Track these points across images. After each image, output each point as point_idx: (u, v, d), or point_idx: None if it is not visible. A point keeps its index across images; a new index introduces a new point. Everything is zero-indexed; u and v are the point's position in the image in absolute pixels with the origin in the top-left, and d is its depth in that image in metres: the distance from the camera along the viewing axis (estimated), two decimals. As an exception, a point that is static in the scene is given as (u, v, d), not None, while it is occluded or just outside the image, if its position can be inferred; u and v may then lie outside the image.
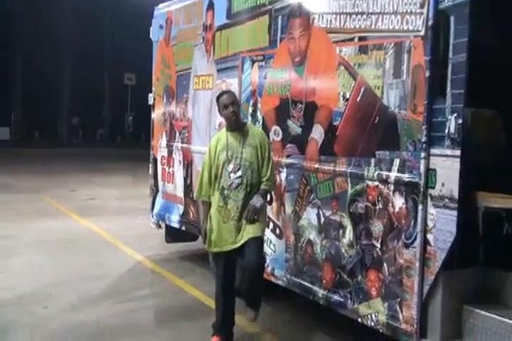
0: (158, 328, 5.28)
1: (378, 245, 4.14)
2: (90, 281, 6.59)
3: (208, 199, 4.64)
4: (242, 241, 4.47)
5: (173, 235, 7.73)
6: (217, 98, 4.65)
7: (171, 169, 7.46)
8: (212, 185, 4.60)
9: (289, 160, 5.14)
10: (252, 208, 4.46)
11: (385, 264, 4.08)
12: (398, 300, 3.97)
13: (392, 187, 4.02)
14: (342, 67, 4.52)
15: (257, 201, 4.50)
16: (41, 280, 6.56)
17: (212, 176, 4.58)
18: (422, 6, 3.79)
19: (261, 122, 5.57)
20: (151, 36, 8.02)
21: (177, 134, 7.32)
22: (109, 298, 6.03)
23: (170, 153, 7.48)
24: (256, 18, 5.63)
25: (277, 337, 4.90)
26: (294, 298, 5.44)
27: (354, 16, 4.40)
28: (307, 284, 4.92)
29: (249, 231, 4.48)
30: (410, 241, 3.85)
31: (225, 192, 4.52)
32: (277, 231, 5.34)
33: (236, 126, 4.61)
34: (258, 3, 5.58)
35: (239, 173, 4.49)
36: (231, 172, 4.50)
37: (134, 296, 6.18)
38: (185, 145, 7.08)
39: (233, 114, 4.53)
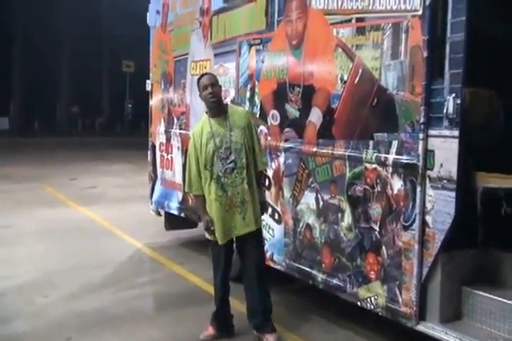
0: (160, 315, 5.26)
1: (377, 228, 4.12)
2: (91, 269, 6.58)
3: (200, 192, 4.49)
4: (251, 228, 4.42)
5: (172, 222, 7.71)
6: (198, 80, 4.51)
7: (169, 155, 7.43)
8: (203, 176, 4.43)
9: (287, 145, 5.10)
10: (266, 205, 4.72)
11: (383, 247, 4.06)
12: (397, 282, 3.96)
13: (390, 170, 3.99)
14: (339, 49, 4.48)
15: (262, 195, 4.56)
16: (42, 269, 6.55)
17: (201, 167, 4.42)
18: (419, -15, 3.74)
19: (259, 106, 5.53)
20: (148, 22, 7.96)
21: (175, 120, 7.28)
22: (110, 286, 6.03)
23: (168, 139, 7.44)
24: (253, 1, 5.57)
25: (280, 326, 4.86)
26: (292, 282, 5.44)
27: (351, -3, 4.35)
28: (306, 268, 4.90)
29: (252, 222, 4.42)
30: (409, 223, 3.83)
31: (222, 179, 4.37)
32: (276, 216, 5.31)
33: (217, 109, 4.44)
34: (255, -14, 5.52)
35: (232, 157, 4.36)
36: (223, 158, 4.36)
37: (134, 283, 6.17)
38: (183, 131, 7.04)
39: (212, 95, 4.36)
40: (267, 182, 5.32)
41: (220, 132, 4.40)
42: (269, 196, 5.28)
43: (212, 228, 4.43)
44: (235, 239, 4.52)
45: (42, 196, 11.76)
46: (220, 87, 4.55)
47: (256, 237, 4.52)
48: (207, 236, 4.56)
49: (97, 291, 5.84)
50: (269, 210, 5.27)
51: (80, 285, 6.00)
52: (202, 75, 4.56)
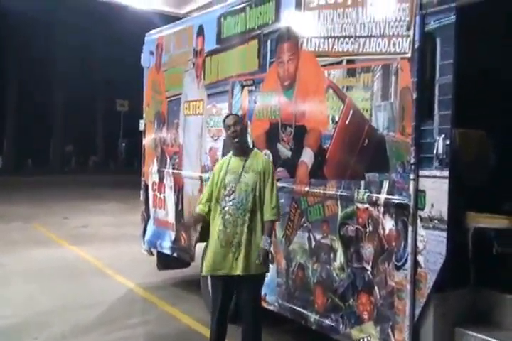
0: (150, 356, 5.20)
1: (369, 268, 4.11)
2: (82, 310, 6.51)
3: (203, 212, 4.61)
4: (239, 271, 4.37)
5: (164, 262, 7.65)
6: (223, 121, 4.66)
7: (162, 195, 7.43)
8: (213, 208, 4.56)
9: (280, 184, 5.09)
10: (262, 252, 4.37)
11: (376, 287, 4.05)
12: (390, 323, 3.93)
13: (382, 209, 4.01)
14: (331, 90, 4.55)
15: (265, 242, 4.40)
16: (32, 310, 6.47)
17: (214, 195, 4.55)
18: (408, 29, 3.83)
19: (251, 146, 5.56)
20: (141, 62, 8.06)
21: (168, 160, 7.31)
22: (101, 327, 5.95)
23: (161, 178, 7.46)
24: (245, 42, 5.67)
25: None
26: (285, 323, 5.38)
27: (342, 40, 4.44)
28: (299, 309, 4.87)
29: (251, 266, 4.39)
30: (401, 263, 3.83)
31: (226, 216, 4.45)
32: (268, 255, 5.28)
33: (239, 148, 4.59)
34: (247, 28, 5.64)
35: (233, 196, 4.43)
36: (226, 195, 4.47)
37: (126, 324, 6.10)
38: (176, 170, 7.06)
39: (235, 133, 4.49)
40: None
41: (234, 170, 4.52)
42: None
43: (195, 238, 4.57)
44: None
45: (33, 235, 11.66)
46: (243, 126, 4.73)
47: (252, 282, 4.48)
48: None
49: (87, 332, 5.77)
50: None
51: (70, 326, 5.92)
52: (227, 116, 4.73)
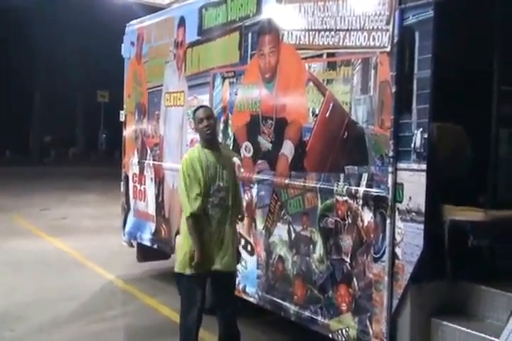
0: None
1: (348, 260, 4.15)
2: (61, 302, 6.51)
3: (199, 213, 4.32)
4: (222, 267, 4.34)
5: (144, 254, 7.65)
6: (193, 112, 4.54)
7: (142, 186, 7.42)
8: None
9: (260, 176, 5.15)
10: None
11: (354, 279, 4.09)
12: (368, 314, 3.97)
13: (360, 202, 4.05)
14: (311, 83, 4.57)
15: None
16: (10, 302, 6.46)
17: (203, 192, 4.31)
18: (387, 23, 3.85)
19: (232, 138, 5.58)
20: (122, 53, 8.02)
21: (148, 151, 7.29)
22: (80, 319, 5.96)
23: (141, 170, 7.44)
24: (227, 34, 5.67)
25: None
26: (264, 315, 5.42)
27: (322, 33, 4.46)
28: (278, 300, 4.90)
29: (229, 263, 4.40)
30: (379, 255, 3.87)
31: (210, 212, 4.32)
32: (248, 247, 5.32)
33: (211, 142, 4.44)
34: (229, 19, 5.63)
35: (221, 193, 4.35)
36: (215, 191, 4.34)
37: (105, 316, 6.12)
38: (156, 162, 7.05)
39: (208, 127, 4.36)
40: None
41: (214, 165, 4.37)
42: (242, 227, 5.29)
43: (199, 258, 4.27)
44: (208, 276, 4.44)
45: (12, 227, 11.60)
46: (216, 119, 4.63)
47: (232, 278, 4.54)
48: (179, 267, 4.45)
49: (66, 324, 5.78)
50: (242, 241, 5.29)
51: (48, 318, 5.93)
52: (197, 108, 4.57)
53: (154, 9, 9.00)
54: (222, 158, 4.45)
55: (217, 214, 4.34)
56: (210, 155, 4.39)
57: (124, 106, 8.06)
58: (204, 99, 6.04)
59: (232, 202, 4.41)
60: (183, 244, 4.46)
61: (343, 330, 4.20)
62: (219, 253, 4.35)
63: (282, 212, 4.88)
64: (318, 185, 4.45)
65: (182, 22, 6.52)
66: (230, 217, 4.41)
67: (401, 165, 3.74)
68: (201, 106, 4.67)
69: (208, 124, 4.36)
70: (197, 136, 6.07)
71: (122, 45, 8.03)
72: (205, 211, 4.32)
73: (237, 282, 4.86)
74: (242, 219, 4.76)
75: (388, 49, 3.84)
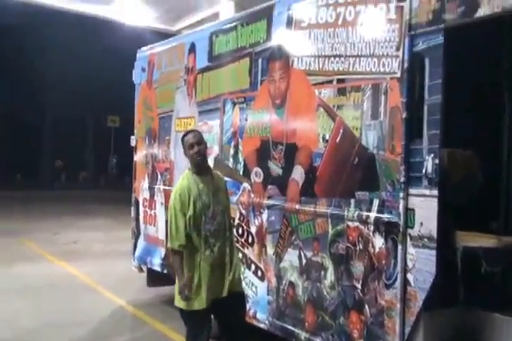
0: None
1: (359, 286, 4.12)
2: (71, 327, 6.47)
3: (182, 248, 4.26)
4: (226, 292, 4.31)
5: (154, 279, 7.60)
6: (182, 138, 4.41)
7: (152, 211, 7.42)
8: (192, 235, 4.25)
9: (271, 202, 5.13)
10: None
11: (366, 305, 4.05)
12: (380, 342, 3.93)
13: (372, 228, 4.03)
14: (321, 109, 4.58)
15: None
16: (20, 327, 6.43)
17: (189, 225, 4.23)
18: (397, 49, 3.88)
19: (242, 164, 5.59)
20: (133, 79, 8.09)
21: (159, 176, 7.31)
22: (89, 345, 5.93)
23: (152, 195, 7.45)
24: (237, 60, 5.71)
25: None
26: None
27: (332, 59, 4.48)
28: (289, 327, 4.86)
29: (237, 283, 4.42)
30: (391, 281, 3.84)
31: (210, 240, 4.26)
32: (259, 273, 5.29)
33: (202, 167, 4.37)
34: (239, 46, 5.68)
35: (218, 219, 4.31)
36: (210, 218, 4.27)
37: (115, 342, 6.08)
38: (167, 187, 7.06)
39: (199, 154, 4.27)
40: (250, 239, 5.35)
41: (206, 191, 4.31)
42: (252, 253, 5.28)
43: (187, 292, 4.21)
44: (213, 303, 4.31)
45: (22, 251, 11.61)
46: (206, 144, 4.46)
47: (239, 297, 4.48)
48: (177, 302, 4.33)
49: (76, 350, 5.74)
50: (252, 267, 5.27)
51: (58, 344, 5.89)
52: (187, 133, 4.47)
53: (165, 35, 9.12)
54: (215, 181, 4.43)
55: (217, 241, 4.30)
56: (200, 181, 4.32)
57: (135, 131, 8.10)
58: (214, 124, 6.07)
59: (228, 222, 4.45)
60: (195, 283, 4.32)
61: (355, 358, 4.15)
62: (228, 278, 4.33)
63: (293, 238, 4.86)
64: (328, 211, 4.44)
65: (192, 48, 6.58)
66: (229, 238, 4.41)
67: (412, 190, 3.73)
68: (191, 131, 4.56)
69: (198, 150, 4.28)
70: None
71: (133, 70, 8.11)
72: (205, 240, 4.26)
73: (247, 307, 4.83)
74: None
75: (398, 75, 3.86)
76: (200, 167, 4.37)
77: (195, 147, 4.28)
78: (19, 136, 34.83)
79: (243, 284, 4.64)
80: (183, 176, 4.46)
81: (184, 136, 4.43)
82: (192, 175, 4.37)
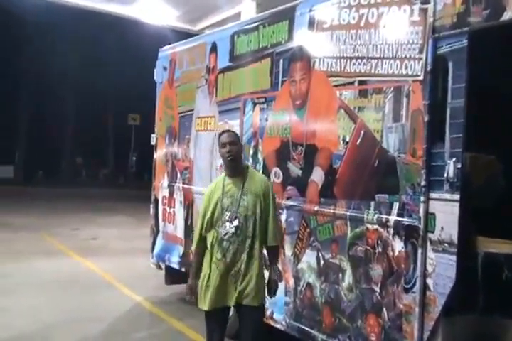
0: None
1: (378, 289, 4.09)
2: (88, 323, 6.52)
3: (201, 250, 4.27)
4: (237, 301, 4.11)
5: (172, 276, 7.64)
6: (219, 136, 4.37)
7: (171, 209, 7.45)
8: (209, 236, 4.20)
9: (289, 202, 5.13)
10: (274, 285, 4.26)
11: (384, 309, 4.03)
12: (398, 346, 3.91)
13: (391, 231, 4.00)
14: (342, 111, 4.56)
15: (275, 274, 4.31)
16: (38, 321, 6.49)
17: (206, 226, 4.20)
18: (420, 51, 3.84)
19: (262, 164, 5.59)
20: (155, 77, 8.12)
21: (178, 175, 7.34)
22: (106, 340, 5.94)
23: (171, 193, 7.48)
24: (258, 61, 5.71)
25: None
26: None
27: (354, 61, 4.46)
28: (306, 328, 4.85)
29: (250, 296, 4.12)
30: (410, 285, 3.81)
31: (224, 243, 4.11)
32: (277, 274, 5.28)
33: (234, 168, 4.24)
34: (260, 46, 5.68)
35: (235, 222, 4.10)
36: (227, 221, 4.12)
37: (132, 338, 6.13)
38: (186, 185, 7.09)
39: (229, 153, 4.15)
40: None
41: (231, 193, 4.18)
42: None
43: (188, 295, 4.30)
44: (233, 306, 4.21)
45: (42, 246, 11.72)
46: (240, 145, 4.36)
47: (256, 312, 4.21)
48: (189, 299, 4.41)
49: (93, 346, 5.78)
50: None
51: (76, 339, 5.95)
52: (223, 132, 4.41)
53: (186, 35, 9.14)
54: (249, 184, 4.19)
55: (232, 245, 4.10)
56: (229, 183, 4.22)
57: (155, 129, 8.14)
58: (234, 124, 6.07)
59: (255, 230, 4.14)
60: (204, 282, 4.26)
61: (372, 361, 4.13)
62: (238, 287, 4.11)
63: (311, 239, 4.85)
64: (348, 213, 4.42)
65: (214, 48, 6.59)
66: (250, 246, 4.13)
67: (433, 194, 3.70)
68: (226, 131, 4.51)
69: (229, 150, 4.17)
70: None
71: (155, 69, 8.14)
72: (219, 243, 4.14)
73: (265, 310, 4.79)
74: (273, 248, 4.35)
75: (421, 77, 3.82)
76: (230, 168, 4.27)
77: (227, 146, 4.18)
78: (41, 133, 35.12)
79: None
80: (217, 177, 4.52)
81: (220, 135, 4.37)
82: (223, 177, 4.29)
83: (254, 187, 4.21)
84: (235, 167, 4.26)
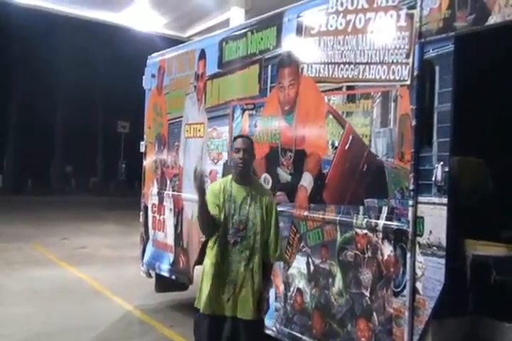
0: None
1: (367, 294, 4.10)
2: (79, 331, 6.47)
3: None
4: (233, 313, 3.95)
5: (163, 284, 7.62)
6: (234, 139, 4.24)
7: (161, 217, 7.43)
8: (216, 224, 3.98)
9: (279, 208, 5.07)
10: (265, 300, 4.07)
11: (374, 313, 4.04)
12: (388, 350, 3.91)
13: (380, 235, 4.02)
14: (330, 116, 4.58)
15: (269, 288, 4.25)
16: (29, 331, 6.44)
17: (220, 218, 3.99)
18: (407, 56, 3.87)
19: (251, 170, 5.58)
20: (143, 84, 8.11)
21: (168, 182, 7.32)
22: (97, 350, 5.93)
23: (161, 200, 7.46)
24: (247, 67, 5.73)
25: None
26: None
27: (342, 66, 4.49)
28: (297, 334, 4.85)
29: (247, 310, 3.96)
30: (399, 289, 3.82)
31: (227, 247, 3.99)
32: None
33: (243, 176, 4.08)
34: (249, 52, 5.69)
35: (243, 233, 3.99)
36: (235, 228, 3.99)
37: (122, 347, 6.08)
38: (176, 193, 7.07)
39: (241, 160, 4.01)
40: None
41: (236, 200, 4.04)
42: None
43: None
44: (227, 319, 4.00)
45: (32, 255, 11.64)
46: (254, 156, 4.21)
47: (251, 328, 4.00)
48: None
49: (83, 355, 5.74)
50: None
51: (67, 348, 5.90)
52: (239, 136, 4.30)
53: (175, 42, 9.15)
54: (254, 195, 4.06)
55: (233, 251, 3.98)
56: (236, 188, 4.07)
57: (145, 136, 8.12)
58: (223, 130, 6.09)
59: (255, 242, 4.01)
60: (201, 282, 4.13)
61: (363, 366, 4.13)
62: (231, 299, 3.97)
63: (301, 244, 4.86)
64: (337, 218, 4.43)
65: (203, 55, 6.60)
66: (248, 258, 4.00)
67: (421, 198, 3.71)
68: (242, 136, 4.37)
69: (242, 157, 4.02)
70: (216, 168, 6.17)
71: (143, 76, 8.13)
72: (223, 244, 3.99)
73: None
74: (277, 260, 4.28)
75: (408, 82, 3.85)
76: (240, 175, 4.10)
77: (241, 152, 4.03)
78: (30, 142, 34.99)
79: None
80: (222, 179, 4.37)
81: (235, 138, 4.25)
82: (231, 181, 4.13)
83: (259, 198, 4.09)
84: (244, 175, 4.12)
